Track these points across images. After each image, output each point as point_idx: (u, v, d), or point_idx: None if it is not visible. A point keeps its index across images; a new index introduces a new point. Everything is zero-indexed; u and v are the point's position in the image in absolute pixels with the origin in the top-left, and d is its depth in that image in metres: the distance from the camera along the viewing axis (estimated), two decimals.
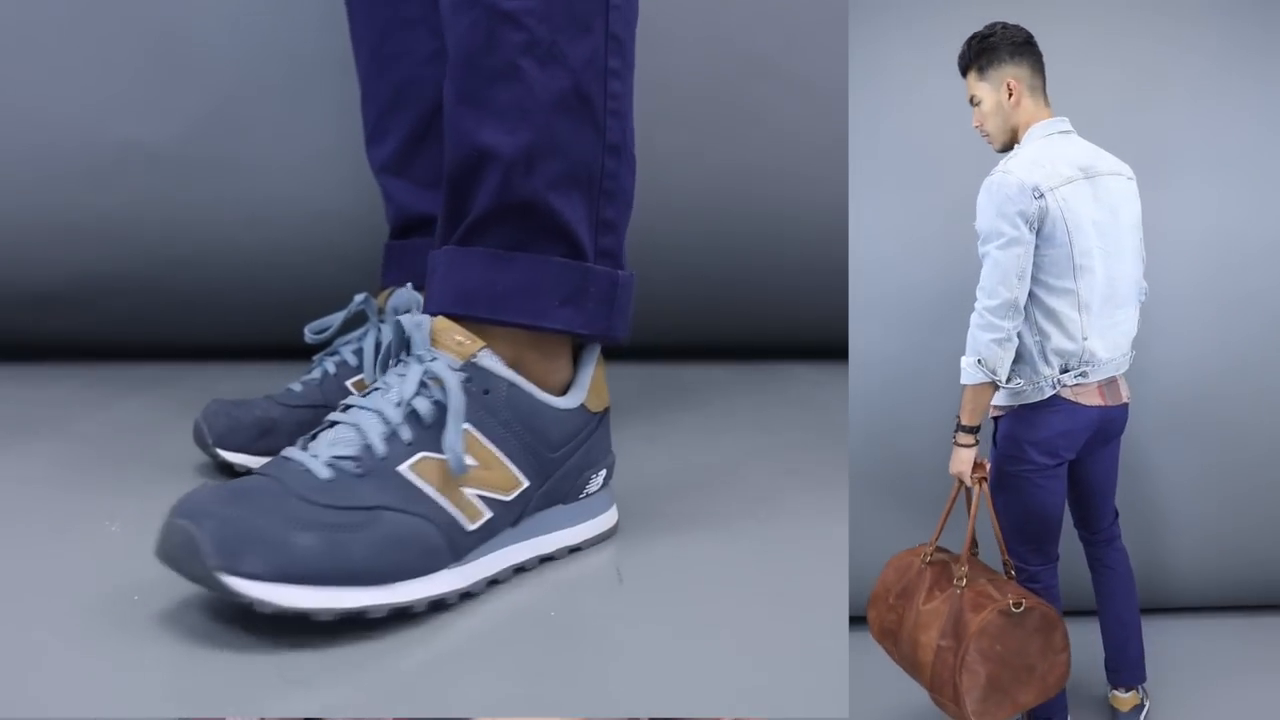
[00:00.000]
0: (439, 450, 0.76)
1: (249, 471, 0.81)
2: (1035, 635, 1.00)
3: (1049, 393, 1.04)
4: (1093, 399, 1.06)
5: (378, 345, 1.05)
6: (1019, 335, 1.02)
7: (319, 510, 0.71)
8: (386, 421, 0.76)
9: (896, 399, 1.34)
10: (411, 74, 1.12)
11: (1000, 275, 0.99)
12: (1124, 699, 1.18)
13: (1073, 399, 1.05)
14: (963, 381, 1.02)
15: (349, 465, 0.74)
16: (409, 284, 0.95)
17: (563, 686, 0.67)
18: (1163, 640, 1.36)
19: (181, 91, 1.44)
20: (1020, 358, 1.03)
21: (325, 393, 1.05)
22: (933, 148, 1.33)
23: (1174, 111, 1.31)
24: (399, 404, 0.77)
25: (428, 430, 0.76)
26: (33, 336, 1.55)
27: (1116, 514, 1.18)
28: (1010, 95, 1.06)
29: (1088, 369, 1.04)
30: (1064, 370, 1.04)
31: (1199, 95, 1.32)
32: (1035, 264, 1.01)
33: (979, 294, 1.01)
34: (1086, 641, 1.24)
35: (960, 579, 1.02)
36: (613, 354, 1.62)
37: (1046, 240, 1.01)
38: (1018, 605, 0.99)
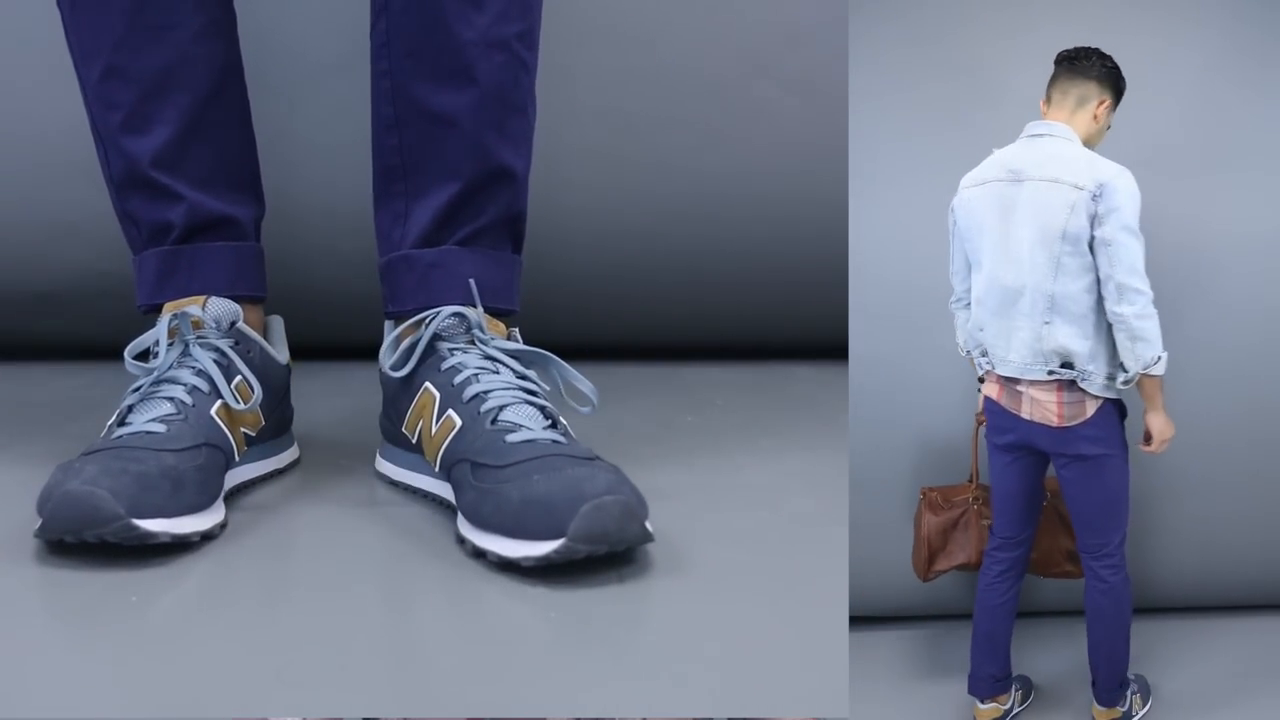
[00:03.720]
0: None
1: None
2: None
3: (979, 370, 1.18)
4: (991, 390, 1.14)
5: (218, 363, 0.96)
6: None
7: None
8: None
9: (896, 399, 1.34)
10: (183, 52, 1.00)
11: None
12: (1101, 711, 1.19)
13: (981, 386, 1.17)
14: None
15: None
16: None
17: (562, 686, 0.67)
18: (1163, 641, 1.36)
19: None
20: None
21: (198, 428, 0.91)
22: (933, 148, 1.33)
23: (1174, 109, 1.31)
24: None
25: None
26: (33, 336, 1.55)
27: (1103, 550, 1.13)
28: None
29: (986, 359, 1.14)
30: (982, 354, 1.16)
31: (1199, 92, 1.32)
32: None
33: None
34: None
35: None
36: (614, 354, 1.62)
37: (958, 235, 1.14)
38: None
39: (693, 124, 1.49)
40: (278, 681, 0.66)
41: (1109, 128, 1.13)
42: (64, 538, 0.82)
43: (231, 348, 0.98)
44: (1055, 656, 1.35)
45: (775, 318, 1.61)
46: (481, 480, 0.86)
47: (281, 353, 1.07)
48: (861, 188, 1.34)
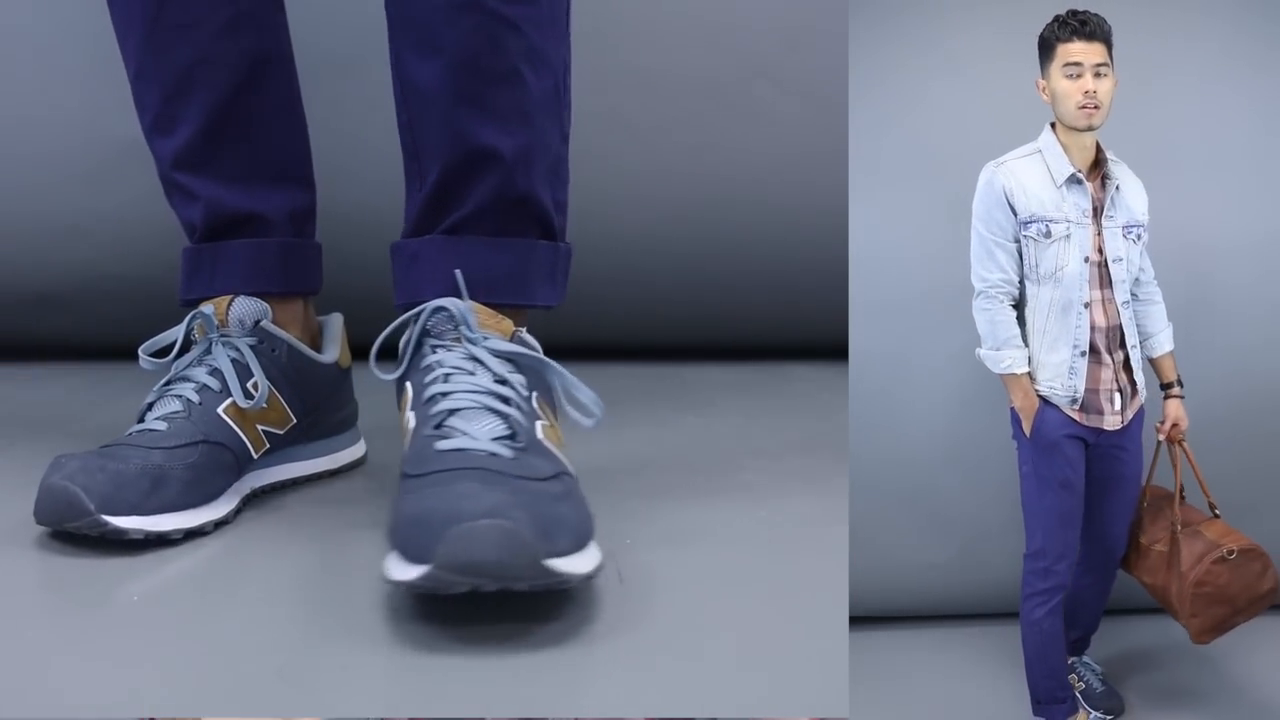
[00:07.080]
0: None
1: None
2: (1249, 565, 1.09)
3: None
4: None
5: (234, 361, 0.96)
6: None
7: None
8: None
9: (896, 399, 1.34)
10: (204, 50, 0.98)
11: None
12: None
13: None
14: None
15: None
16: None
17: (563, 686, 0.67)
18: (1163, 640, 1.36)
19: None
20: None
21: (200, 425, 0.92)
22: (933, 148, 1.33)
23: (1178, 104, 1.31)
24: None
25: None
26: (33, 336, 1.55)
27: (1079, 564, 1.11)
28: None
29: None
30: None
31: (1200, 92, 1.32)
32: None
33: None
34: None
35: (1176, 523, 1.11)
36: (614, 354, 1.62)
37: None
38: (1230, 552, 1.07)
39: (692, 125, 1.49)
40: (278, 681, 0.66)
41: (1062, 93, 1.06)
42: (50, 527, 0.85)
43: (253, 347, 0.98)
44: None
45: (775, 318, 1.61)
46: (401, 490, 0.76)
47: (329, 351, 1.07)
48: (861, 188, 1.34)
